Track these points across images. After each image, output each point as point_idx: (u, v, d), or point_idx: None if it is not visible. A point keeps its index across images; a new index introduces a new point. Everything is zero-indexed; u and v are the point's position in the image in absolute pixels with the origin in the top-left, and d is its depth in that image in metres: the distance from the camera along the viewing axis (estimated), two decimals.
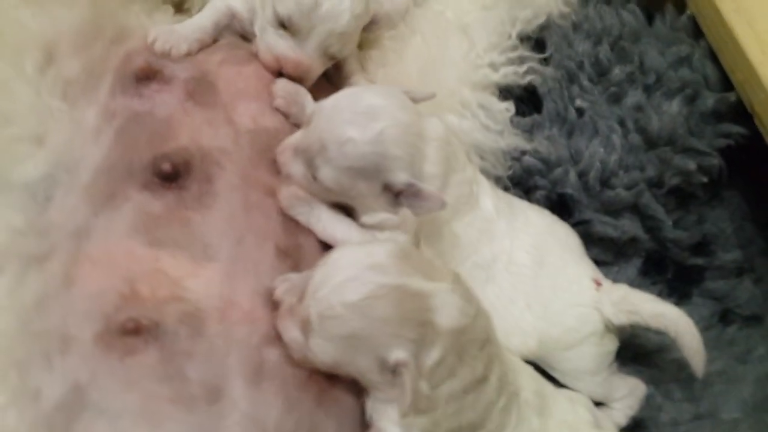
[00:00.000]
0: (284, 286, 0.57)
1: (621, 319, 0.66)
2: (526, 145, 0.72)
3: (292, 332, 0.54)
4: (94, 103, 0.66)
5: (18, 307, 0.54)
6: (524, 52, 0.74)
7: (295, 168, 0.62)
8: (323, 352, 0.53)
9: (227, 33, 0.73)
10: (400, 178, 0.60)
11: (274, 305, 0.56)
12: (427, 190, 0.60)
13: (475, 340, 0.56)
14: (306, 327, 0.53)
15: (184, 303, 0.55)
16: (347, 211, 0.64)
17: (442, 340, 0.53)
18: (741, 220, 0.78)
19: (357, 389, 0.57)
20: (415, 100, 0.64)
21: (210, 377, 0.52)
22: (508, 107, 0.72)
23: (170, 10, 0.77)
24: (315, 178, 0.61)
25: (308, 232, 0.63)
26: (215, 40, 0.72)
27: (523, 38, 0.76)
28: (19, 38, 0.66)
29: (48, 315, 0.54)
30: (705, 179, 0.74)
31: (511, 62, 0.74)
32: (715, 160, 0.74)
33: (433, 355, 0.53)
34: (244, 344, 0.55)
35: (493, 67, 0.72)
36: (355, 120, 0.60)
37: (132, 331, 0.52)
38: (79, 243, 0.58)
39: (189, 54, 0.68)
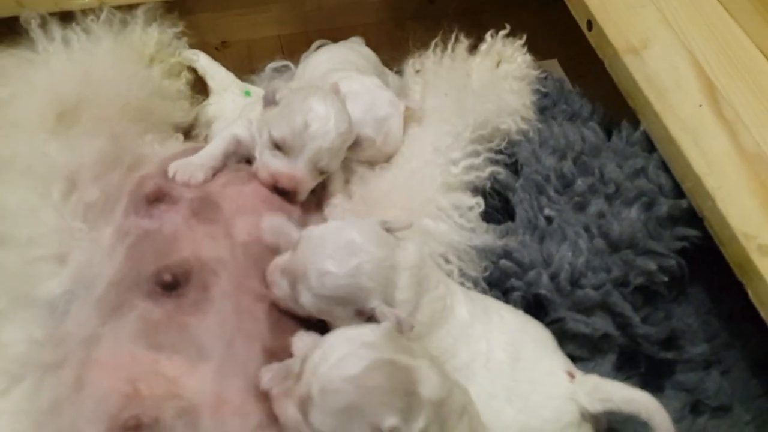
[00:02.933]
0: (268, 375, 0.63)
1: (596, 406, 0.69)
2: (499, 243, 0.79)
3: (289, 411, 0.59)
4: (110, 223, 0.75)
5: (35, 411, 0.60)
6: (495, 167, 0.83)
7: (281, 288, 0.69)
8: (322, 424, 0.58)
9: (233, 158, 0.82)
10: (371, 304, 0.66)
11: (262, 395, 0.62)
12: (395, 315, 0.65)
13: (453, 411, 0.61)
14: (304, 404, 0.58)
15: (180, 400, 0.61)
16: None
17: (425, 410, 0.58)
18: (705, 315, 0.84)
19: None
20: (392, 230, 0.71)
21: None
22: (478, 202, 0.81)
23: (180, 137, 0.88)
24: (296, 301, 0.68)
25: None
26: (224, 165, 0.81)
27: (496, 151, 0.85)
28: (47, 169, 0.76)
29: (60, 417, 0.59)
30: (666, 278, 0.80)
31: (483, 177, 0.83)
32: (673, 261, 0.80)
33: (419, 424, 0.58)
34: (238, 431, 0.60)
35: (466, 173, 0.81)
36: (334, 255, 0.66)
37: (134, 428, 0.58)
38: (89, 350, 0.64)
39: (206, 181, 0.77)
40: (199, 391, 0.61)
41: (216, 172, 0.78)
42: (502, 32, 0.96)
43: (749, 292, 0.74)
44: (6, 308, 0.68)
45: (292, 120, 0.76)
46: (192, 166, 0.77)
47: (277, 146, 0.77)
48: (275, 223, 0.74)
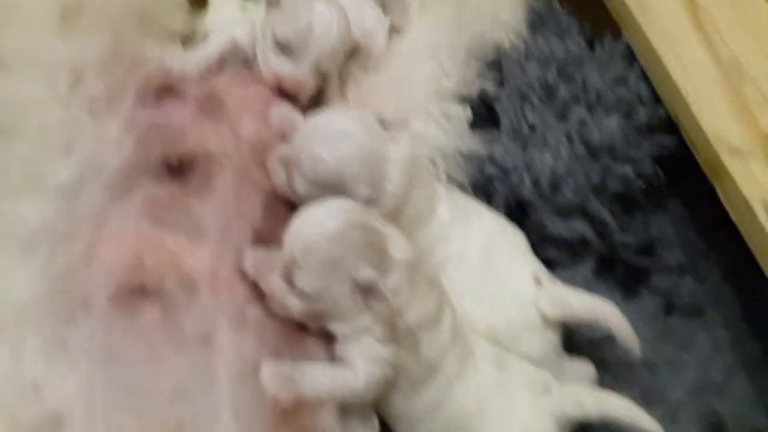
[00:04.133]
0: (251, 259, 0.66)
1: (555, 313, 0.72)
2: (484, 150, 0.82)
3: (274, 282, 0.63)
4: (117, 117, 0.77)
5: (49, 276, 0.64)
6: (483, 74, 0.87)
7: (279, 176, 0.73)
8: (307, 283, 0.62)
9: (231, 61, 0.84)
10: (361, 192, 0.69)
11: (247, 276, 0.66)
12: (382, 203, 0.69)
13: (422, 278, 0.66)
14: (288, 271, 0.62)
15: (181, 273, 0.64)
16: None
17: (397, 269, 0.63)
18: (682, 225, 0.88)
19: (326, 343, 0.65)
20: (386, 126, 0.74)
21: (202, 328, 0.61)
22: (466, 111, 0.84)
23: (179, 46, 0.90)
24: (292, 187, 0.71)
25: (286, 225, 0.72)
26: (220, 68, 0.83)
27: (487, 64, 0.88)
28: (52, 63, 0.78)
29: (72, 283, 0.63)
30: (643, 184, 0.84)
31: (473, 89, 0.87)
32: (650, 167, 0.84)
33: (392, 281, 0.62)
34: (229, 304, 0.64)
35: (456, 84, 0.84)
36: (326, 141, 0.70)
37: (139, 292, 0.62)
38: (98, 226, 0.67)
39: (200, 73, 0.80)
40: (197, 267, 0.65)
41: (212, 69, 0.81)
42: None
43: (720, 193, 0.78)
44: (17, 189, 0.71)
45: (296, 22, 0.78)
46: (187, 60, 0.80)
47: (281, 48, 0.79)
48: (282, 111, 0.78)
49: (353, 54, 0.84)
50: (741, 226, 0.76)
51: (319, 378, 0.61)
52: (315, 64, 0.79)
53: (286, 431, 0.57)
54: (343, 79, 0.84)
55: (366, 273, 0.61)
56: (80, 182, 0.73)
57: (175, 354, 0.58)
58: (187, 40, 0.93)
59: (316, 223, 0.64)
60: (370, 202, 0.69)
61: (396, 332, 0.63)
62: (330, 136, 0.71)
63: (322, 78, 0.81)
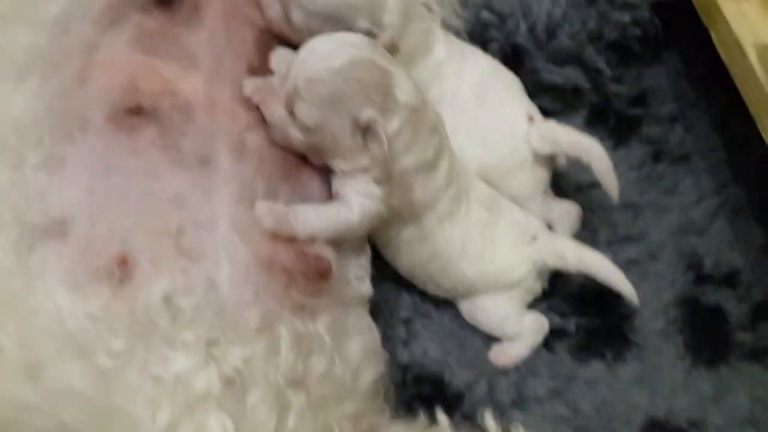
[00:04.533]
0: (250, 85, 0.66)
1: (546, 148, 0.74)
2: None
3: (276, 110, 0.63)
4: None
5: (44, 98, 0.64)
6: None
7: (274, 10, 0.71)
8: (307, 115, 0.62)
9: None
10: (360, 24, 0.69)
11: (248, 104, 0.66)
12: (382, 36, 0.68)
13: (426, 123, 0.66)
14: (290, 100, 0.62)
15: (176, 97, 0.64)
16: None
17: (400, 112, 0.63)
18: (676, 77, 0.88)
19: (323, 178, 0.67)
20: None
21: (200, 149, 0.61)
22: None
23: None
24: (289, 20, 0.70)
25: None
26: None
27: None
28: None
29: (68, 103, 0.63)
30: (639, 32, 0.84)
31: None
32: (647, 14, 0.83)
33: (393, 124, 0.63)
34: (228, 129, 0.64)
35: None
36: None
37: (135, 112, 0.62)
38: (90, 54, 0.67)
39: None
40: (193, 92, 0.65)
41: None
42: None
43: (713, 36, 0.78)
44: (7, 21, 0.70)
45: None
46: None
47: None
48: None
49: None
50: (732, 68, 0.76)
51: (312, 216, 0.62)
52: None
53: (283, 248, 0.59)
54: None
55: (367, 112, 0.61)
56: (69, 16, 0.71)
57: (174, 169, 0.59)
58: None
59: (324, 56, 0.63)
60: (368, 35, 0.68)
61: (391, 173, 0.64)
62: None
63: None
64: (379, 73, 0.63)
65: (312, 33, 0.70)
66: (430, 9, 0.82)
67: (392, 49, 0.69)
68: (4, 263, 0.54)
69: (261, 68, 0.71)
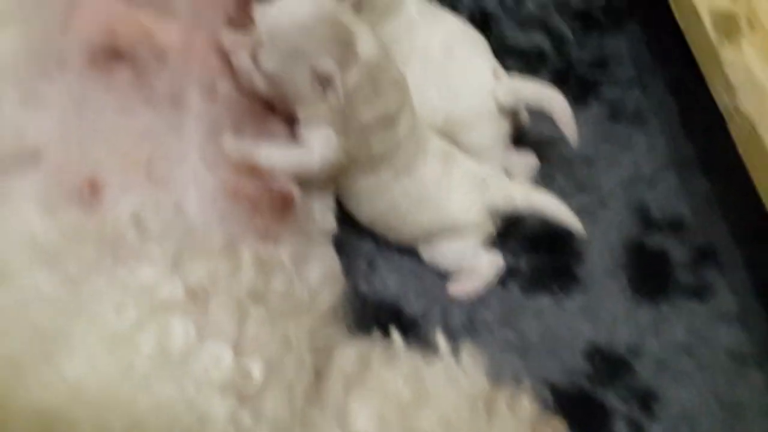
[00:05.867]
0: (230, 37, 0.71)
1: (509, 101, 0.79)
2: None
3: (243, 59, 0.68)
4: None
5: (25, 39, 0.67)
6: None
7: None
8: (269, 64, 0.67)
9: None
10: (325, 64, 0.70)
11: (224, 53, 0.70)
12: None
13: (388, 79, 0.70)
14: (256, 49, 0.67)
15: (153, 42, 0.69)
16: None
17: (360, 67, 0.68)
18: (636, 44, 0.93)
19: (288, 126, 0.71)
20: None
21: (172, 90, 0.66)
22: None
23: None
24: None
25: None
26: None
27: None
28: None
29: (49, 45, 0.67)
30: (603, 2, 0.89)
31: None
32: None
33: (353, 77, 0.67)
34: (200, 73, 0.69)
35: None
36: None
37: (113, 55, 0.66)
38: (72, 3, 0.70)
39: None
40: (168, 39, 0.70)
41: None
42: None
43: (672, 5, 0.83)
44: None
45: None
46: None
47: None
48: None
49: None
50: (688, 34, 0.82)
51: (275, 154, 0.67)
52: None
53: (249, 179, 0.64)
54: None
55: (326, 63, 0.66)
56: None
57: (146, 107, 0.64)
58: None
59: (287, 10, 0.68)
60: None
61: (350, 124, 0.69)
62: None
63: None
64: (340, 28, 0.67)
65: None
66: None
67: (358, 6, 0.74)
68: None
69: (238, 19, 0.74)
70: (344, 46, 0.67)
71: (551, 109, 0.78)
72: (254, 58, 0.68)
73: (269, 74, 0.68)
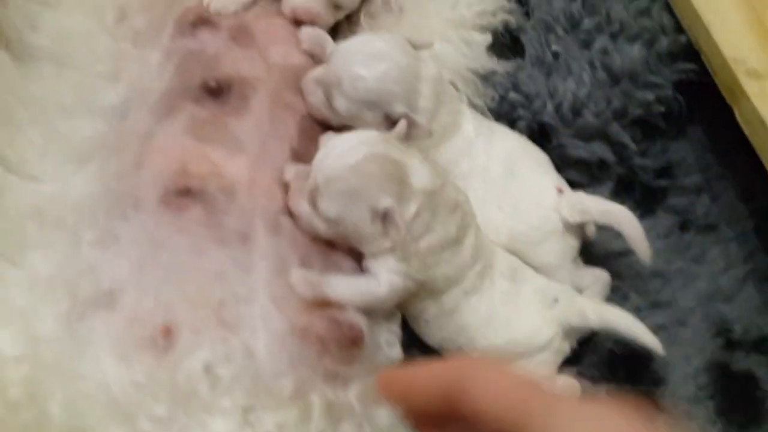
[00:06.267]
0: (291, 171, 0.72)
1: (575, 218, 0.77)
2: (504, 78, 0.87)
3: (301, 205, 0.69)
4: (158, 47, 0.84)
5: (102, 181, 0.71)
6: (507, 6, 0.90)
7: (316, 96, 0.78)
8: (329, 209, 0.67)
9: None
10: (398, 109, 0.75)
11: (285, 187, 0.72)
12: (418, 120, 0.74)
13: (445, 203, 0.70)
14: (313, 196, 0.68)
15: (222, 179, 0.71)
16: None
17: (416, 198, 0.67)
18: (701, 150, 0.91)
19: (353, 257, 0.71)
20: (415, 47, 0.79)
21: (241, 227, 0.67)
22: (487, 38, 0.88)
23: None
24: (331, 106, 0.77)
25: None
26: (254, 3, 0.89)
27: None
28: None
29: (124, 185, 0.70)
30: (663, 109, 0.87)
31: (494, 13, 0.91)
32: (670, 92, 0.87)
33: (410, 209, 0.67)
34: (265, 209, 0.70)
35: (476, 14, 0.88)
36: (365, 61, 0.75)
37: (184, 193, 0.68)
38: (146, 141, 0.74)
39: (235, 11, 0.86)
40: (237, 174, 0.71)
41: (246, 8, 0.87)
42: None
43: (736, 113, 0.81)
44: (74, 107, 0.78)
45: None
46: None
47: None
48: (312, 32, 0.84)
49: None
50: (756, 144, 0.79)
51: (343, 286, 0.67)
52: None
53: (317, 317, 0.63)
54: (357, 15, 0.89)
55: (384, 202, 0.66)
56: (128, 105, 0.80)
57: (217, 246, 0.64)
58: None
59: (339, 156, 0.68)
60: (404, 118, 0.73)
61: (414, 253, 0.68)
62: (368, 56, 0.76)
63: (337, 9, 0.86)
64: (393, 165, 0.67)
65: (352, 118, 0.77)
66: (456, 88, 0.87)
67: (425, 133, 0.74)
68: (55, 333, 0.59)
69: (303, 152, 0.77)
70: (399, 181, 0.67)
71: (620, 226, 0.76)
72: (313, 204, 0.68)
73: (329, 219, 0.68)
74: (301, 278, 0.65)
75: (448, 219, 0.70)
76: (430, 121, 0.76)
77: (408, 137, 0.73)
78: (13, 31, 0.83)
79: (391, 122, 0.75)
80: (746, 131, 0.80)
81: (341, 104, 0.75)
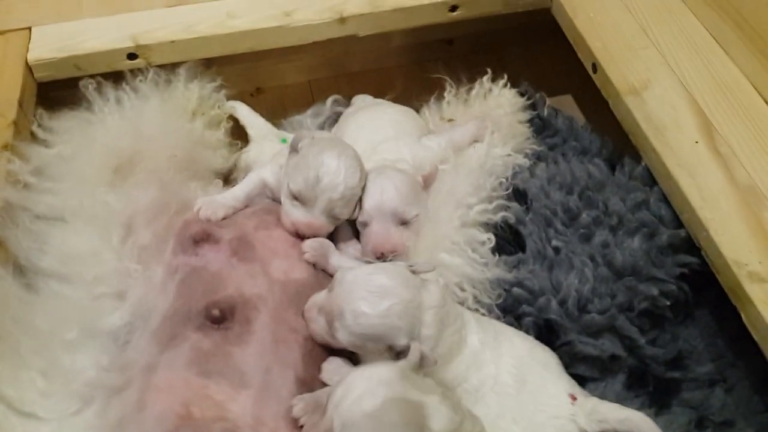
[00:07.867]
0: (299, 404, 0.71)
1: (593, 427, 0.76)
2: (509, 275, 0.87)
3: None
4: (161, 262, 0.85)
5: (103, 425, 0.70)
6: (507, 202, 0.91)
7: (318, 324, 0.78)
8: None
9: (260, 198, 0.92)
10: (401, 341, 0.74)
11: (293, 421, 0.71)
12: (422, 352, 0.73)
13: None
14: None
15: (226, 422, 0.70)
16: None
17: None
18: (711, 337, 0.90)
19: None
20: (416, 272, 0.78)
21: None
22: (490, 237, 0.88)
23: (220, 183, 0.97)
24: (333, 336, 0.76)
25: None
26: (247, 206, 0.91)
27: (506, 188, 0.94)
28: (107, 217, 0.86)
29: (124, 428, 0.68)
30: (668, 302, 0.87)
31: (495, 210, 0.91)
32: (674, 286, 0.86)
33: None
34: None
35: (480, 213, 0.89)
36: (368, 297, 0.75)
37: None
38: (149, 376, 0.73)
39: (225, 218, 0.88)
40: (241, 414, 0.70)
41: (236, 211, 0.89)
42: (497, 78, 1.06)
43: (742, 316, 0.80)
44: (77, 339, 0.77)
45: (306, 173, 0.85)
46: (215, 204, 0.88)
47: (295, 197, 0.87)
48: (315, 244, 0.85)
49: None
50: (764, 347, 0.78)
51: None
52: (327, 211, 0.86)
53: None
54: None
55: None
56: (131, 328, 0.80)
57: None
58: (228, 174, 1.01)
59: (357, 400, 0.67)
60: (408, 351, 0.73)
61: None
62: (371, 292, 0.75)
63: (337, 220, 0.88)
64: (413, 411, 0.66)
65: (355, 347, 0.76)
66: (462, 289, 0.88)
67: (431, 363, 0.73)
68: None
69: (308, 378, 0.77)
70: (418, 427, 0.66)
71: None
72: None
73: None
74: None
75: None
76: (433, 347, 0.75)
77: (415, 368, 0.72)
78: (21, 251, 0.84)
79: (394, 352, 0.75)
80: (755, 336, 0.79)
81: (343, 336, 0.75)
